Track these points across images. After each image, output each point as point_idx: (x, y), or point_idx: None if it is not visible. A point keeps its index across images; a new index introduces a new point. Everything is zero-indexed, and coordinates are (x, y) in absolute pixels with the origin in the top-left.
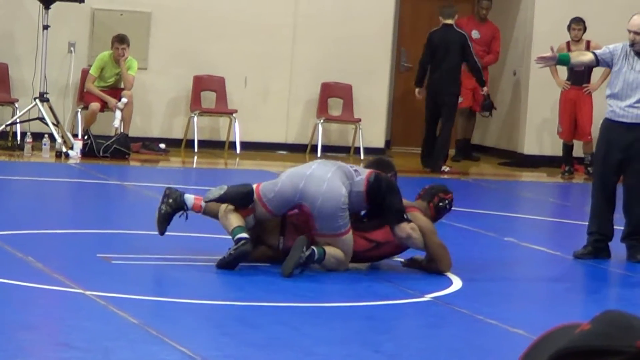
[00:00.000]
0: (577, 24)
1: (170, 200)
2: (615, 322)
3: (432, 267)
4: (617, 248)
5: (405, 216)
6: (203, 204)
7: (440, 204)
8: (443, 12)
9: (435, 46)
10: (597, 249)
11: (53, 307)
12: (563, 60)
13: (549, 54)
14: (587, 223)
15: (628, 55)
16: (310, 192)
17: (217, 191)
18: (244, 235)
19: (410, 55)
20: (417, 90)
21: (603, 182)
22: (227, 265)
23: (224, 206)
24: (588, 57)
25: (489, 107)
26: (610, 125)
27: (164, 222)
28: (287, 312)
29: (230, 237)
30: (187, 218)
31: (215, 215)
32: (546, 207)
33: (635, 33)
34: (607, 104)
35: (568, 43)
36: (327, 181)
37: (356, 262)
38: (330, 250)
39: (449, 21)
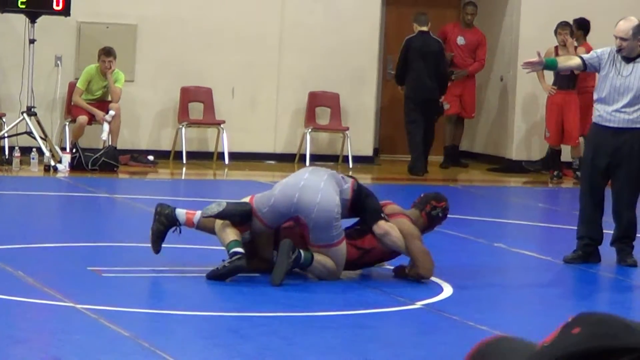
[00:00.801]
0: (563, 29)
1: (162, 218)
2: (608, 322)
3: (413, 273)
4: (607, 252)
5: (382, 215)
6: (196, 219)
7: (433, 212)
8: (419, 20)
9: (414, 52)
10: (587, 253)
11: (44, 321)
12: (550, 65)
13: (535, 59)
14: (576, 227)
15: (615, 60)
16: (305, 204)
17: (215, 207)
18: (239, 249)
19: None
20: (401, 87)
21: (591, 186)
22: (219, 277)
23: (220, 220)
24: (575, 61)
25: (440, 113)
26: (597, 129)
27: (157, 240)
28: (279, 322)
29: (225, 249)
30: (180, 232)
31: (208, 230)
32: (535, 212)
33: (622, 39)
34: (594, 109)
35: (556, 47)
36: (321, 191)
37: (348, 271)
38: (319, 257)
39: (425, 28)
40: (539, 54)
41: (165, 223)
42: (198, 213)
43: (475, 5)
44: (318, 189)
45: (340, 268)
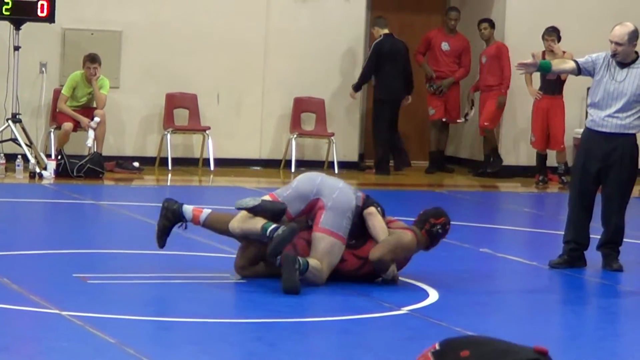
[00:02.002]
0: (550, 35)
1: (169, 213)
2: (492, 343)
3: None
4: (592, 257)
5: (378, 209)
6: (202, 217)
7: (433, 229)
8: (380, 23)
9: (385, 55)
10: (573, 257)
11: (29, 328)
12: (544, 68)
13: (530, 60)
14: (562, 232)
15: (610, 65)
16: (327, 186)
17: (251, 201)
18: (276, 225)
19: None
20: (354, 93)
21: (581, 191)
22: (281, 243)
23: (241, 213)
24: (570, 65)
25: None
26: (589, 134)
27: (162, 235)
28: (265, 328)
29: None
30: (186, 228)
31: (214, 229)
32: (521, 218)
33: (617, 44)
34: (587, 113)
35: (543, 53)
36: (342, 183)
37: (354, 278)
38: (312, 262)
39: (387, 30)
40: (533, 56)
41: (171, 219)
42: (205, 211)
43: (458, 10)
44: (338, 181)
45: (329, 271)
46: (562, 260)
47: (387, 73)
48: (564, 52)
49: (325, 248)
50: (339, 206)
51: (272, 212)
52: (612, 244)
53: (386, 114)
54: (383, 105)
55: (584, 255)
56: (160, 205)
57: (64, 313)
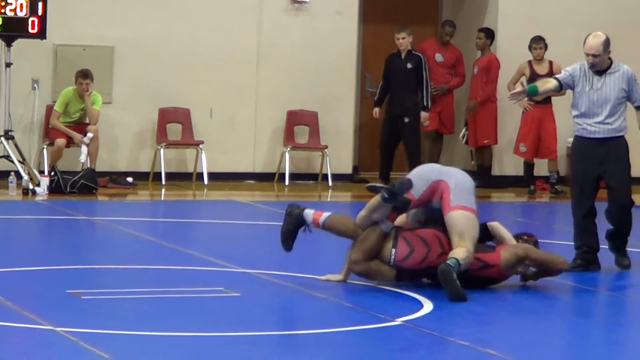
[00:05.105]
0: (537, 43)
1: (292, 219)
2: None
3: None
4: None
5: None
6: (322, 219)
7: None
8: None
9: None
10: (587, 260)
11: (23, 345)
12: (532, 92)
13: (519, 89)
14: (556, 241)
15: (587, 75)
16: (447, 169)
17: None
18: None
19: (375, 81)
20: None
21: (582, 197)
22: (402, 185)
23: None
24: (552, 83)
25: None
26: (583, 142)
27: (288, 239)
28: (258, 342)
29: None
30: (310, 231)
31: (334, 231)
32: (514, 226)
33: (594, 56)
34: (575, 123)
35: (530, 62)
36: (457, 171)
37: (463, 281)
38: (459, 254)
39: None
40: (522, 84)
41: (294, 223)
42: (324, 214)
43: (454, 25)
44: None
45: (473, 243)
46: (577, 265)
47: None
48: (550, 62)
49: (465, 223)
50: (463, 186)
51: (401, 187)
52: (619, 238)
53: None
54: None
55: (597, 258)
56: (284, 211)
57: (57, 329)
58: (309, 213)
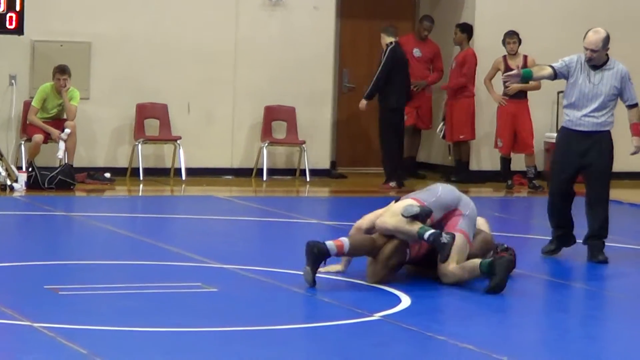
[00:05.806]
0: (511, 38)
1: (315, 250)
2: None
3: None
4: (571, 253)
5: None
6: (345, 247)
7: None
8: (388, 31)
9: (396, 62)
10: (562, 240)
11: (1, 340)
12: (527, 76)
13: (514, 71)
14: (534, 236)
15: (584, 67)
16: (466, 200)
17: (414, 208)
18: (433, 230)
19: (353, 76)
20: (365, 103)
21: (560, 186)
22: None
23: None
24: (547, 71)
25: None
26: (567, 133)
27: (313, 275)
28: (236, 337)
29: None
30: (325, 264)
31: (359, 251)
32: (492, 221)
33: (592, 51)
34: (564, 113)
35: (505, 57)
36: (472, 203)
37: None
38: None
39: (396, 38)
40: (518, 68)
41: (318, 256)
42: (344, 240)
43: (433, 21)
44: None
45: (455, 264)
46: (554, 247)
47: (399, 81)
48: (525, 57)
49: (461, 246)
50: (473, 216)
51: (425, 216)
52: (597, 237)
53: (399, 122)
54: (395, 114)
55: (572, 234)
56: (305, 247)
57: (35, 325)
58: (331, 245)
